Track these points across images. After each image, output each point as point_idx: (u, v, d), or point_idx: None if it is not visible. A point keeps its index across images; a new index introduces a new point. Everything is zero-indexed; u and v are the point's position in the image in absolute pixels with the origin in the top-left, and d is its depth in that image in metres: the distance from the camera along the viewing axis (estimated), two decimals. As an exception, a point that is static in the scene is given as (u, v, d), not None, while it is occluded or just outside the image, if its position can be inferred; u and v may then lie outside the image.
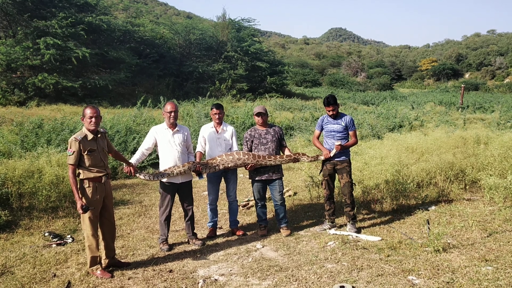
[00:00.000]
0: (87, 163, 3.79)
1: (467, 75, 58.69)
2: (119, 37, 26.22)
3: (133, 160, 4.47)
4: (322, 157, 4.93)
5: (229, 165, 4.74)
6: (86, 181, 3.82)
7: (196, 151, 5.01)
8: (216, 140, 4.99)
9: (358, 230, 4.90)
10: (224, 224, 5.46)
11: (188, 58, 29.43)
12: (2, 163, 6.04)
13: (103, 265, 3.97)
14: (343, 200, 5.04)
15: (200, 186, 7.58)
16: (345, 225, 5.03)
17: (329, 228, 5.00)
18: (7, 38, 21.37)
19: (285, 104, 21.55)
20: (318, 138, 5.10)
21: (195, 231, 4.87)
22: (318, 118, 5.26)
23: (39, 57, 19.48)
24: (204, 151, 5.06)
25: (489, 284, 3.37)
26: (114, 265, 4.07)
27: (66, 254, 4.42)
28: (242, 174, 7.96)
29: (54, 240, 4.80)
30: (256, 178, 4.89)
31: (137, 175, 4.37)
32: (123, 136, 9.45)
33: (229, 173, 5.06)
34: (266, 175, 4.87)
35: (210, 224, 5.12)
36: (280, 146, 5.01)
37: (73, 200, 5.52)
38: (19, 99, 18.69)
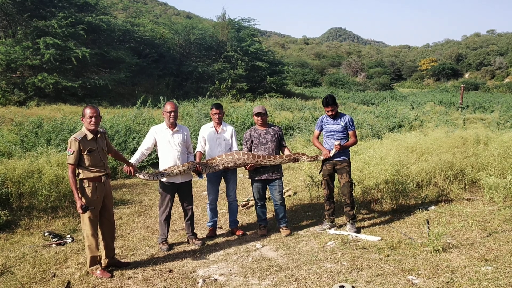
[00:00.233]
0: (86, 163, 3.79)
1: (466, 75, 58.70)
2: (119, 37, 26.22)
3: (133, 160, 4.47)
4: (321, 157, 4.93)
5: (229, 165, 4.74)
6: (85, 181, 3.82)
7: (196, 151, 5.01)
8: (216, 140, 4.99)
9: (358, 230, 4.90)
10: (223, 224, 5.46)
11: (188, 58, 29.43)
12: (2, 163, 6.04)
13: (103, 265, 3.97)
14: (342, 200, 5.05)
15: (200, 186, 7.58)
16: (345, 225, 5.03)
17: (329, 228, 5.00)
18: (6, 38, 21.37)
19: (284, 104, 21.55)
20: (317, 138, 5.11)
21: (194, 231, 4.87)
22: (317, 118, 5.27)
23: (38, 57, 19.47)
24: (204, 151, 5.06)
25: (488, 284, 3.37)
26: (114, 265, 4.07)
27: (66, 254, 4.42)
28: (242, 174, 7.96)
29: (53, 240, 4.80)
30: (256, 178, 4.89)
31: (137, 175, 4.37)
32: (123, 136, 9.45)
33: (229, 173, 5.06)
34: (266, 175, 4.87)
35: (210, 224, 5.12)
36: (279, 146, 5.02)
37: (73, 200, 5.52)
38: (19, 99, 18.69)
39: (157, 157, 4.90)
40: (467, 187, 6.34)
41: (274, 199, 4.95)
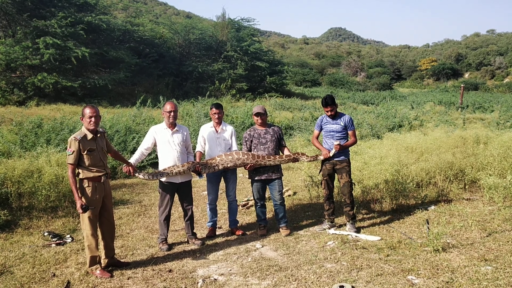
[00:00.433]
0: (86, 162, 3.79)
1: (466, 75, 58.71)
2: (119, 37, 26.20)
3: (133, 160, 4.47)
4: (321, 157, 4.93)
5: (229, 165, 4.74)
6: (85, 181, 3.82)
7: (195, 151, 5.01)
8: (216, 139, 4.99)
9: (358, 230, 4.90)
10: (223, 223, 5.46)
11: (187, 57, 29.42)
12: (2, 163, 6.04)
13: (103, 265, 3.97)
14: (342, 200, 5.05)
15: (200, 185, 7.58)
16: (345, 224, 5.03)
17: (329, 228, 5.00)
18: (6, 38, 21.36)
19: (284, 103, 21.55)
20: (317, 138, 5.11)
21: (194, 230, 4.87)
22: (317, 118, 5.27)
23: (38, 56, 19.46)
24: (204, 151, 5.06)
25: (488, 284, 3.37)
26: (114, 265, 4.07)
27: (66, 253, 4.42)
28: (242, 174, 7.96)
29: (53, 239, 4.79)
30: (256, 178, 4.89)
31: (136, 174, 4.37)
32: (123, 136, 9.45)
33: (228, 173, 5.06)
34: (266, 175, 4.87)
35: (210, 223, 5.12)
36: (279, 145, 5.01)
37: (73, 200, 5.52)
38: (19, 98, 18.68)
39: (156, 157, 4.90)
40: (467, 187, 6.34)
41: (273, 199, 4.95)
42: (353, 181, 5.08)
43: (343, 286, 3.45)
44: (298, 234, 4.92)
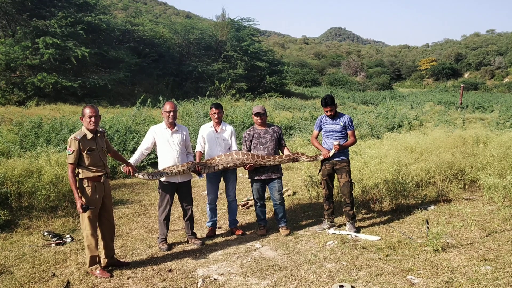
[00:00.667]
0: (86, 162, 3.79)
1: (466, 75, 58.72)
2: (119, 37, 26.19)
3: (132, 160, 4.47)
4: (321, 157, 4.93)
5: (228, 165, 4.74)
6: (85, 181, 3.82)
7: (195, 151, 5.01)
8: (215, 139, 4.99)
9: (357, 230, 4.90)
10: (223, 223, 5.46)
11: (187, 57, 29.41)
12: (1, 163, 6.04)
13: (102, 265, 3.97)
14: (342, 200, 5.05)
15: (200, 185, 7.58)
16: (344, 224, 5.03)
17: (328, 228, 5.00)
18: (6, 38, 21.33)
19: (284, 103, 21.55)
20: (316, 138, 5.11)
21: (194, 230, 4.87)
22: (317, 118, 5.27)
23: (38, 56, 19.44)
24: (204, 151, 5.06)
25: (488, 284, 3.37)
26: (113, 265, 4.07)
27: (65, 253, 4.42)
28: (242, 174, 7.97)
29: (53, 239, 4.79)
30: (255, 178, 4.90)
31: (136, 174, 4.37)
32: (123, 135, 9.44)
33: (228, 173, 5.06)
34: (265, 175, 4.87)
35: (210, 223, 5.12)
36: (279, 145, 5.02)
37: (73, 200, 5.52)
38: (18, 98, 18.65)
39: (156, 157, 4.90)
40: (466, 186, 6.35)
41: (273, 199, 4.96)
42: (352, 181, 5.08)
43: (342, 286, 3.45)
44: (297, 234, 4.92)
